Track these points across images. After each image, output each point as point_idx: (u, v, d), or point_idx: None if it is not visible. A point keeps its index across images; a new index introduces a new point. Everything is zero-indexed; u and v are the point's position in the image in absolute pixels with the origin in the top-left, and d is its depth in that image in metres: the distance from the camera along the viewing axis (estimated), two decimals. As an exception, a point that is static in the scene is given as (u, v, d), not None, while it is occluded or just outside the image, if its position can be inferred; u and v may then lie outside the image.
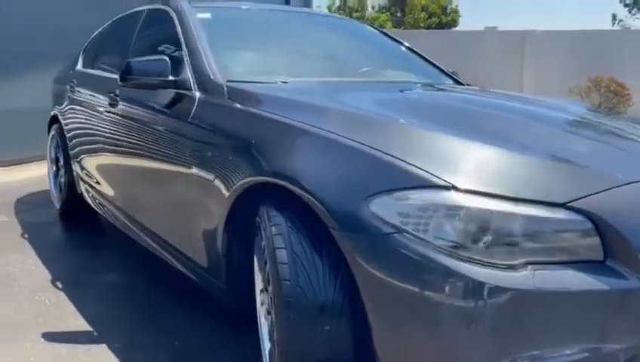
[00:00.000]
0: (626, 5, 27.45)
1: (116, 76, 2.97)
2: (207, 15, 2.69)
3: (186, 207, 2.14)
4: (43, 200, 4.35)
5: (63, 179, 3.92)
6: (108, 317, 2.37)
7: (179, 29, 2.56)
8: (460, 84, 3.03)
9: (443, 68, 3.17)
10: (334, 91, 2.24)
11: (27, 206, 4.25)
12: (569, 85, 10.71)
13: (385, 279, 1.33)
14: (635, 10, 27.27)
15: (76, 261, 3.08)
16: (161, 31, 2.88)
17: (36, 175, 5.42)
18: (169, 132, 2.29)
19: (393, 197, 1.35)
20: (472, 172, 1.38)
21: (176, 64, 2.35)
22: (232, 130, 1.91)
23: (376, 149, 1.44)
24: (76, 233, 3.63)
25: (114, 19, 3.69)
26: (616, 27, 26.85)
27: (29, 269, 2.91)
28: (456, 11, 29.64)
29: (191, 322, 2.33)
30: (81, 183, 3.57)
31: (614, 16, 27.95)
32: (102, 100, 3.04)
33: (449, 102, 2.21)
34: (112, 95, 2.89)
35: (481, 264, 1.27)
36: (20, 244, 3.32)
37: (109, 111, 2.91)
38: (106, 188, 3.09)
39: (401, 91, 2.40)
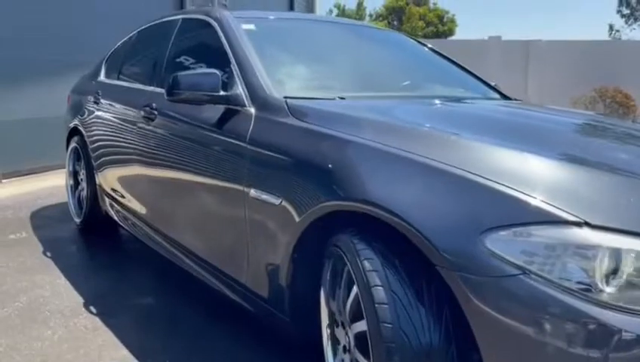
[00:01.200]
0: (622, 16, 27.72)
1: (151, 89, 2.88)
2: (252, 26, 2.56)
3: (242, 231, 2.01)
4: (59, 214, 4.19)
5: (84, 193, 3.77)
6: (152, 346, 2.22)
7: (224, 41, 2.44)
8: (507, 98, 2.92)
9: (487, 81, 3.06)
10: (403, 109, 2.13)
11: (44, 220, 4.08)
12: (574, 95, 10.69)
13: (506, 323, 1.21)
14: (631, 20, 27.55)
15: (106, 282, 2.93)
16: (201, 42, 2.76)
17: (45, 186, 5.27)
18: (221, 150, 2.16)
19: (513, 233, 1.23)
20: (602, 205, 1.26)
21: (224, 78, 2.22)
22: (302, 151, 1.78)
23: (489, 178, 1.31)
24: (101, 250, 3.48)
25: (141, 28, 3.55)
26: (613, 37, 27.05)
27: (59, 291, 2.76)
28: (452, 21, 29.77)
29: (242, 353, 2.18)
30: (106, 198, 3.43)
31: (611, 27, 28.21)
32: (135, 113, 2.90)
33: (538, 122, 2.07)
34: (147, 108, 2.75)
35: (619, 310, 1.14)
36: (44, 264, 3.16)
37: (144, 126, 2.77)
38: (138, 205, 2.95)
39: (472, 108, 2.28)
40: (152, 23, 3.41)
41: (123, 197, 3.14)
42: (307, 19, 2.95)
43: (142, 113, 2.80)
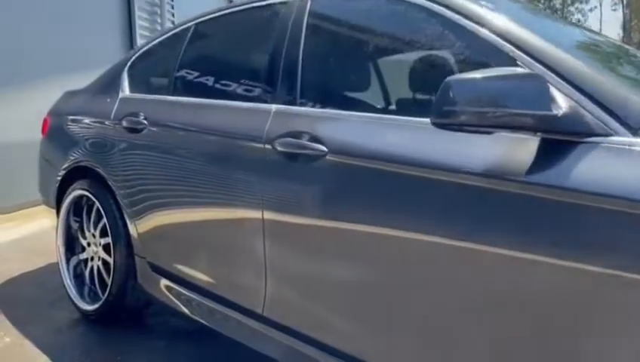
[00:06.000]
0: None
1: (275, 107, 1.80)
2: (489, 4, 1.58)
3: None
4: (38, 293, 2.82)
5: (92, 265, 2.56)
6: None
7: (474, 26, 1.43)
8: None
9: None
10: None
11: (26, 308, 2.69)
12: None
13: None
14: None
15: None
16: (393, 29, 1.72)
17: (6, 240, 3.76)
18: (563, 220, 1.15)
19: None
20: None
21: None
22: None
23: None
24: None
25: (200, 20, 2.36)
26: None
27: None
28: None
29: None
30: (161, 279, 2.21)
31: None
32: (257, 147, 1.76)
33: None
34: (291, 139, 1.64)
35: None
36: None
37: (289, 168, 1.66)
38: (262, 301, 1.79)
39: None
40: (230, 11, 2.26)
41: (217, 282, 1.96)
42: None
43: (278, 147, 1.68)
